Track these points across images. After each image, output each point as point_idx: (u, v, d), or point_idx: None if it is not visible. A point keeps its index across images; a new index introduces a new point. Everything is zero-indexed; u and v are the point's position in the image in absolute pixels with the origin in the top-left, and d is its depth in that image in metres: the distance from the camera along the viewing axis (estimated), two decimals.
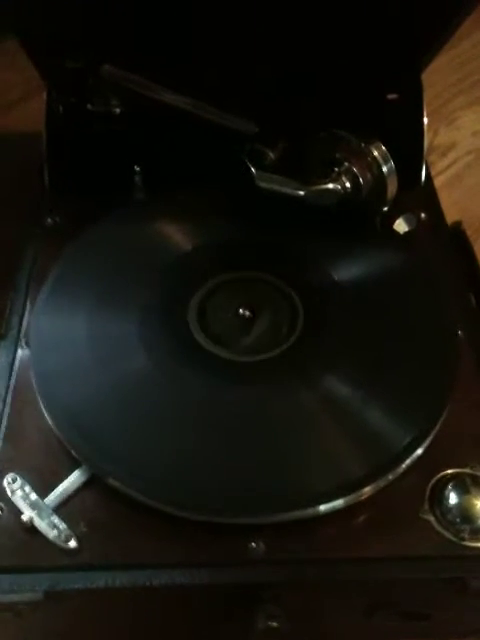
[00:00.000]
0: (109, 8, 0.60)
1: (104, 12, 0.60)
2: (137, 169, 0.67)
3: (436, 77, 1.06)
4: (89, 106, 0.68)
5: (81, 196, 0.67)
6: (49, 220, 0.67)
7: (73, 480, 0.49)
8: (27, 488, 0.49)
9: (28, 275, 0.63)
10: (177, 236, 0.64)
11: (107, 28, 0.62)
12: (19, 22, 0.61)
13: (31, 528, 0.47)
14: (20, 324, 0.59)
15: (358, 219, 0.64)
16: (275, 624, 0.48)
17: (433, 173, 0.79)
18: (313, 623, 0.52)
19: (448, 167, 0.95)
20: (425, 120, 0.70)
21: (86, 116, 0.68)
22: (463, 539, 0.48)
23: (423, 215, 0.69)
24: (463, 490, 0.49)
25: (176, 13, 0.59)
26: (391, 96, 0.71)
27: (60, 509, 0.48)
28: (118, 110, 0.68)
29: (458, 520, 0.48)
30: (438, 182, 0.86)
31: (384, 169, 0.60)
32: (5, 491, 0.49)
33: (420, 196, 0.71)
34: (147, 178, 0.68)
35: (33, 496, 0.48)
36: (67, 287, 0.59)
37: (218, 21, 0.59)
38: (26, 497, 0.48)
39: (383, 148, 0.61)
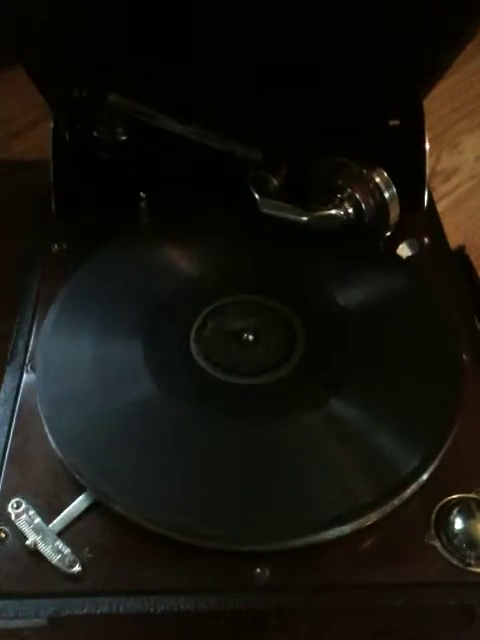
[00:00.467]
0: (114, 36, 0.61)
1: (109, 40, 0.61)
2: (142, 195, 0.68)
3: (439, 102, 1.07)
4: (95, 134, 0.69)
5: (87, 222, 0.68)
6: (55, 246, 0.68)
7: (77, 505, 0.49)
8: (31, 512, 0.49)
9: (34, 300, 0.63)
10: (181, 261, 0.65)
11: (112, 57, 0.63)
12: (25, 51, 0.62)
13: (35, 553, 0.47)
14: (26, 349, 0.60)
15: (361, 244, 0.64)
16: None
17: (436, 198, 0.79)
18: None
19: (451, 192, 0.95)
20: (427, 145, 0.70)
21: (92, 144, 0.69)
22: (469, 565, 0.47)
23: (426, 240, 0.69)
24: (469, 515, 0.49)
25: (181, 44, 0.60)
26: (393, 122, 0.72)
27: (64, 534, 0.48)
28: (124, 137, 0.69)
29: (464, 545, 0.48)
30: (441, 207, 0.86)
31: (386, 195, 0.61)
32: (10, 516, 0.49)
33: (423, 221, 0.71)
34: (152, 204, 0.68)
35: (37, 521, 0.48)
36: (73, 312, 0.60)
37: (222, 51, 0.60)
38: (30, 522, 0.48)
39: (385, 174, 0.61)
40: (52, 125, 0.69)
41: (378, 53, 0.63)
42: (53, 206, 0.70)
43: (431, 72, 0.67)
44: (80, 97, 0.67)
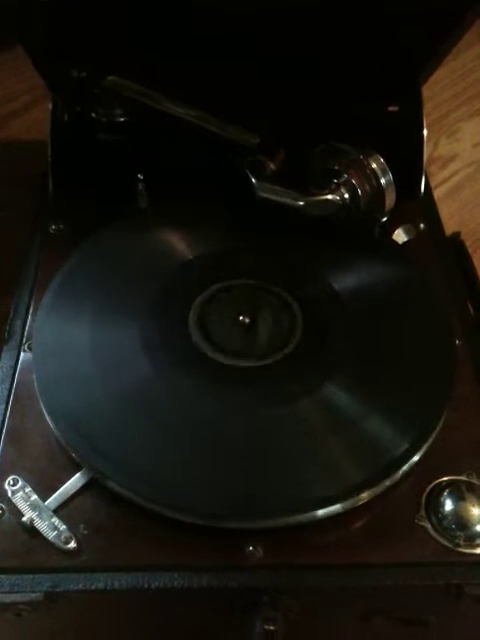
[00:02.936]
0: (113, 19, 0.61)
1: (108, 23, 0.61)
2: (140, 177, 0.68)
3: (437, 89, 1.07)
4: (93, 115, 0.69)
5: (85, 204, 0.68)
6: (53, 227, 0.68)
7: (74, 483, 0.50)
8: (28, 490, 0.49)
9: (32, 280, 0.64)
10: (179, 244, 0.65)
11: (111, 38, 0.63)
12: (24, 31, 0.62)
13: (32, 529, 0.48)
14: (23, 328, 0.60)
15: (357, 229, 0.65)
16: (272, 627, 0.48)
17: (433, 184, 0.80)
18: (311, 627, 0.53)
19: (448, 178, 0.96)
20: (425, 132, 0.71)
21: (90, 125, 0.69)
22: (458, 545, 0.48)
23: (422, 226, 0.69)
24: (459, 497, 0.50)
25: (180, 26, 0.60)
26: (391, 108, 0.72)
27: (60, 511, 0.49)
28: (122, 119, 0.69)
29: (453, 526, 0.49)
30: (438, 193, 0.87)
31: (382, 181, 0.61)
32: (6, 492, 0.49)
33: (419, 207, 0.71)
34: (150, 186, 0.68)
35: (34, 498, 0.49)
36: (70, 293, 0.60)
37: (221, 36, 0.60)
38: (27, 498, 0.49)
39: (381, 160, 0.61)
40: (50, 105, 0.69)
41: (377, 39, 0.63)
42: (51, 187, 0.70)
43: (430, 58, 0.67)
44: (79, 78, 0.67)
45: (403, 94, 0.71)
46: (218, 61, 0.63)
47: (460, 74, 1.11)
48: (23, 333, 0.60)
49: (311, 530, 0.49)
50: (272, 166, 0.67)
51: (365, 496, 0.49)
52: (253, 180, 0.64)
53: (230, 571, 0.47)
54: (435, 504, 0.50)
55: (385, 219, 0.64)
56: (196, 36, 0.61)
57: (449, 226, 0.72)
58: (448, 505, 0.49)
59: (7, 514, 0.49)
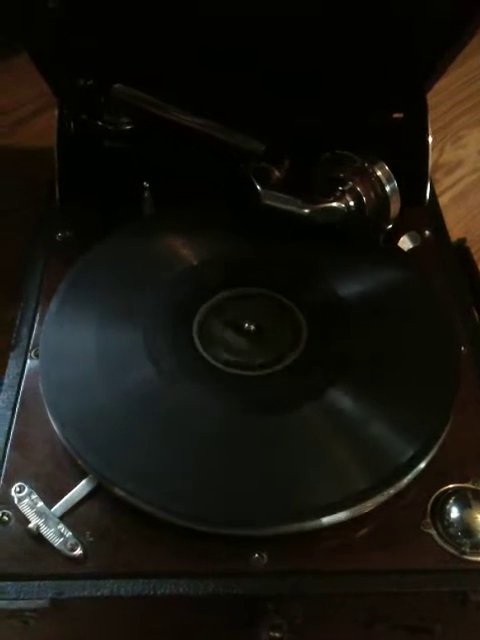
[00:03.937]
0: (120, 27, 0.61)
1: (115, 31, 0.61)
2: (146, 185, 0.68)
3: (443, 96, 1.07)
4: (100, 123, 0.69)
5: (91, 211, 0.68)
6: (59, 234, 0.68)
7: (80, 489, 0.50)
8: (34, 496, 0.50)
9: (38, 287, 0.64)
10: (184, 251, 0.65)
11: (118, 47, 0.63)
12: (31, 39, 0.62)
13: (38, 536, 0.48)
14: (30, 335, 0.60)
15: (362, 237, 0.65)
16: (278, 635, 0.48)
17: (438, 191, 0.80)
18: (316, 634, 0.53)
19: (453, 185, 0.96)
20: (430, 139, 0.71)
21: (97, 132, 0.70)
22: (464, 553, 0.48)
23: (427, 232, 0.69)
24: (464, 504, 0.50)
25: (186, 36, 0.60)
26: (396, 115, 0.72)
27: (66, 518, 0.49)
28: (128, 127, 0.69)
29: (459, 534, 0.49)
30: (443, 200, 0.87)
31: (387, 189, 0.61)
32: (13, 499, 0.50)
33: (425, 213, 0.71)
34: (156, 194, 0.68)
35: (40, 504, 0.49)
36: (76, 300, 0.60)
37: (227, 47, 0.61)
38: (33, 505, 0.49)
39: (386, 168, 0.62)
40: (57, 113, 0.70)
41: (382, 47, 0.63)
42: (57, 194, 0.71)
43: (435, 66, 0.67)
44: (85, 86, 0.68)
45: (408, 101, 0.71)
46: (224, 72, 0.63)
47: (465, 81, 1.11)
48: (29, 340, 0.60)
49: (316, 537, 0.49)
50: (277, 173, 0.67)
51: (370, 503, 0.49)
52: (258, 188, 0.65)
53: (235, 578, 0.47)
54: (441, 511, 0.50)
55: (390, 226, 0.64)
56: (202, 46, 0.61)
57: (454, 233, 0.72)
58: (454, 513, 0.49)
59: (13, 521, 0.49)
